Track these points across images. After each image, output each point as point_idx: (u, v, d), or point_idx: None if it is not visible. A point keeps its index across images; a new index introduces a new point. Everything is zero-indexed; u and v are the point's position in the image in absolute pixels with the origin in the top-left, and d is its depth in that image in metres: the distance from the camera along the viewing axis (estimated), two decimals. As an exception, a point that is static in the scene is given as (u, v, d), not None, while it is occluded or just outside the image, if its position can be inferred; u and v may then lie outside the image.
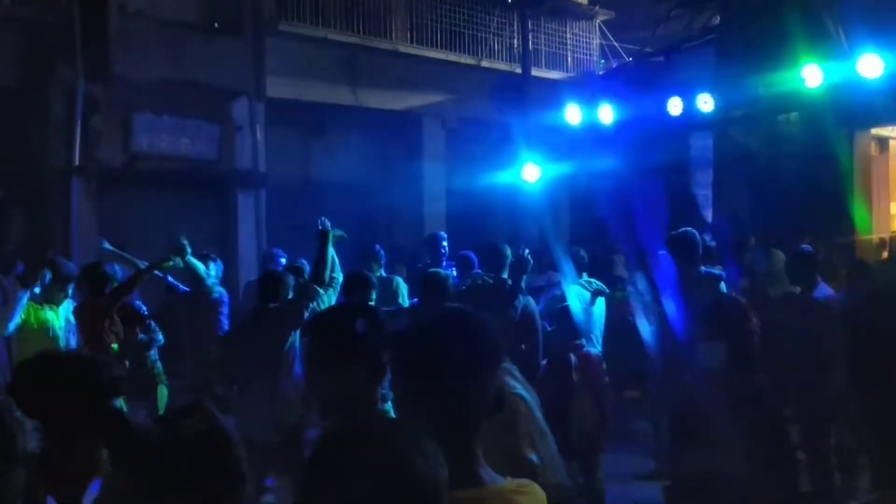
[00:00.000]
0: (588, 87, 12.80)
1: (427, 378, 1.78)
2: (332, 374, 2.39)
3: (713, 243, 6.58)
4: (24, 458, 1.59)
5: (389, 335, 2.18)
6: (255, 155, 12.08)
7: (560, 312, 5.86)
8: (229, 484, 1.73)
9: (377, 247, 8.03)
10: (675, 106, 10.31)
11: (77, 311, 6.41)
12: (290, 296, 5.88)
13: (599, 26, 16.37)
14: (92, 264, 6.77)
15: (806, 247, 6.78)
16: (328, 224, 5.80)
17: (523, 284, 6.17)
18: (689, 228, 6.19)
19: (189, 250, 6.89)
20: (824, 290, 6.33)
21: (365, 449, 1.37)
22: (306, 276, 6.81)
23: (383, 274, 7.77)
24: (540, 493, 1.81)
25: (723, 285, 6.07)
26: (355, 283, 5.75)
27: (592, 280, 7.06)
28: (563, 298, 6.78)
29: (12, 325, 6.16)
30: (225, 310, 7.43)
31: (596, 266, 8.67)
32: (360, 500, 1.33)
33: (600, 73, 15.71)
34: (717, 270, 6.13)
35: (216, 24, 11.76)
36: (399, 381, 1.89)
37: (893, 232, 12.19)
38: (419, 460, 1.36)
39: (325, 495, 1.35)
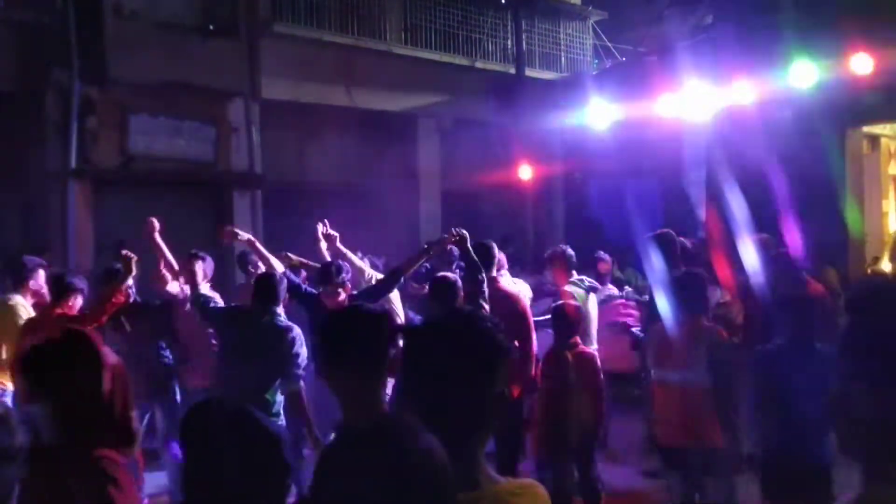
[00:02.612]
0: (582, 87, 12.85)
1: (429, 378, 1.80)
2: (346, 373, 2.43)
3: (690, 244, 6.60)
4: (13, 455, 1.60)
5: (397, 335, 2.22)
6: (250, 156, 12.11)
7: (556, 311, 5.90)
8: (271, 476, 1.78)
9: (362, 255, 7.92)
10: (667, 105, 10.40)
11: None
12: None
13: (593, 26, 16.43)
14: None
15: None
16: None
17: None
18: (666, 229, 6.22)
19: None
20: (815, 288, 6.40)
21: (379, 447, 1.40)
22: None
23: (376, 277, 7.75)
24: (541, 495, 1.82)
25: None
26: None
27: (584, 278, 7.11)
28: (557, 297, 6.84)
29: None
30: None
31: (589, 265, 8.73)
32: (372, 498, 1.37)
33: (594, 73, 15.76)
34: (697, 271, 6.14)
35: (211, 26, 11.77)
36: (403, 380, 1.92)
37: None
38: (431, 460, 1.39)
39: (338, 493, 1.38)
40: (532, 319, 6.09)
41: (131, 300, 6.45)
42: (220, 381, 5.45)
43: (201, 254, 6.76)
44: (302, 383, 5.30)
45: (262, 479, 1.74)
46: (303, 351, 5.29)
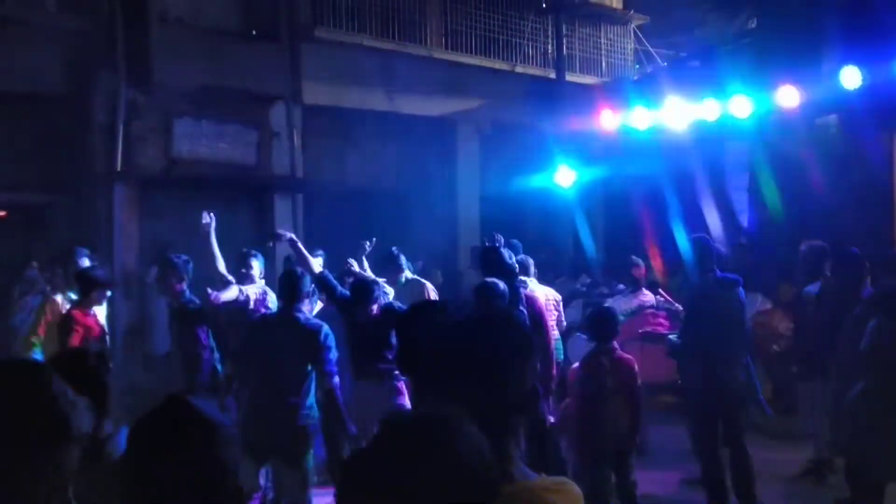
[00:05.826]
0: (622, 92, 12.76)
1: (462, 373, 1.82)
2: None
3: (723, 250, 6.56)
4: (79, 438, 1.64)
5: (430, 334, 2.23)
6: (292, 160, 12.22)
7: (593, 315, 5.88)
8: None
9: (395, 250, 7.81)
10: (710, 110, 10.28)
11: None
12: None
13: (634, 31, 16.32)
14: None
15: (853, 249, 6.70)
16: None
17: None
18: (701, 234, 6.17)
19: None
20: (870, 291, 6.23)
21: (427, 439, 1.41)
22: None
23: (409, 277, 7.75)
24: (575, 492, 1.82)
25: (741, 290, 6.02)
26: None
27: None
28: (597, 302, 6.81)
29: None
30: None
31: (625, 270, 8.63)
32: (420, 486, 1.38)
33: (635, 77, 15.65)
34: (733, 276, 6.08)
35: (254, 31, 11.93)
36: (437, 376, 1.93)
37: None
38: (477, 449, 1.40)
39: (385, 482, 1.39)
40: (549, 320, 6.18)
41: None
42: (254, 383, 5.57)
43: (254, 251, 6.96)
44: (337, 380, 5.49)
45: (193, 472, 1.63)
46: (334, 348, 5.48)
